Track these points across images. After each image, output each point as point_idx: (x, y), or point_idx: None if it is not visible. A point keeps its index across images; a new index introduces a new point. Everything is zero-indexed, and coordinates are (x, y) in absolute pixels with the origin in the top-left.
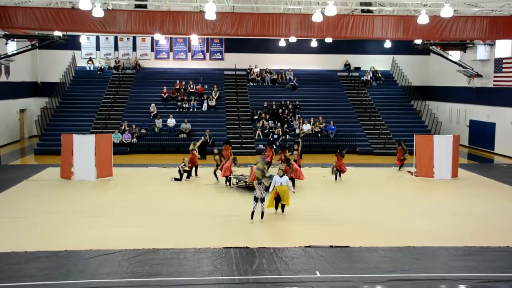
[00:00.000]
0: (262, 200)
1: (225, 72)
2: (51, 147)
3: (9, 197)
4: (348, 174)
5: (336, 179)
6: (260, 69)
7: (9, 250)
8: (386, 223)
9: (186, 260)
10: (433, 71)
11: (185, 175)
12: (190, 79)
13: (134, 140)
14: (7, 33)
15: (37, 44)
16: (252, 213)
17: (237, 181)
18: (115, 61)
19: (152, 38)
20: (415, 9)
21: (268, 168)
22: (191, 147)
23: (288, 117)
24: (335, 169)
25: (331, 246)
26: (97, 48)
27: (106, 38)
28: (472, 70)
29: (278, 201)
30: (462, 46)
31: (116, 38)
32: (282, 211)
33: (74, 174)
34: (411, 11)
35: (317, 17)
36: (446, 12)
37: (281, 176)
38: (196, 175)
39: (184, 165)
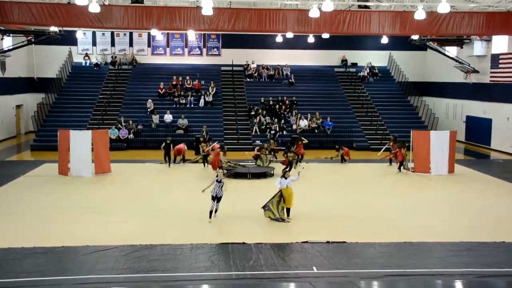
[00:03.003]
0: (219, 199)
1: (222, 68)
2: (47, 143)
3: (6, 193)
4: (345, 170)
5: (405, 168)
6: (257, 65)
7: (6, 246)
8: (383, 218)
9: (183, 255)
10: (430, 67)
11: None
12: (187, 75)
13: (131, 136)
14: (2, 28)
15: (33, 40)
16: (210, 212)
17: (226, 171)
18: (112, 57)
19: (149, 33)
20: (412, 4)
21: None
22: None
23: (285, 113)
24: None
25: (328, 242)
26: (94, 43)
27: (103, 33)
28: (468, 66)
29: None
30: (458, 42)
31: (112, 33)
32: (288, 215)
33: (70, 170)
34: (408, 6)
35: (314, 13)
36: (443, 7)
37: (286, 178)
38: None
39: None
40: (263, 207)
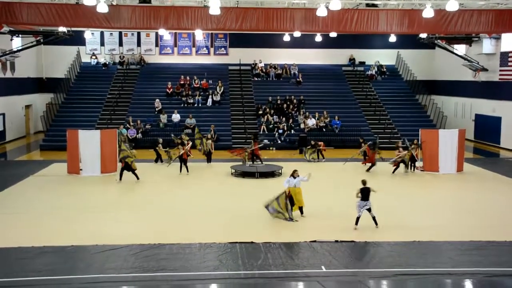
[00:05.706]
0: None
1: (230, 67)
2: (56, 142)
3: (16, 192)
4: (353, 169)
5: (410, 169)
6: (264, 64)
7: (16, 245)
8: (391, 218)
9: (191, 255)
10: (438, 65)
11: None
12: (194, 74)
13: (139, 135)
14: (12, 29)
15: (42, 40)
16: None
17: (234, 170)
18: (120, 57)
19: (157, 33)
20: (420, 2)
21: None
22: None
23: (293, 112)
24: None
25: (336, 241)
26: (102, 43)
27: (111, 33)
28: (477, 64)
29: (292, 204)
30: (467, 40)
31: (120, 33)
32: (301, 213)
33: (82, 170)
34: (416, 4)
35: (321, 12)
36: (451, 5)
37: (294, 178)
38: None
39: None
40: (266, 207)
